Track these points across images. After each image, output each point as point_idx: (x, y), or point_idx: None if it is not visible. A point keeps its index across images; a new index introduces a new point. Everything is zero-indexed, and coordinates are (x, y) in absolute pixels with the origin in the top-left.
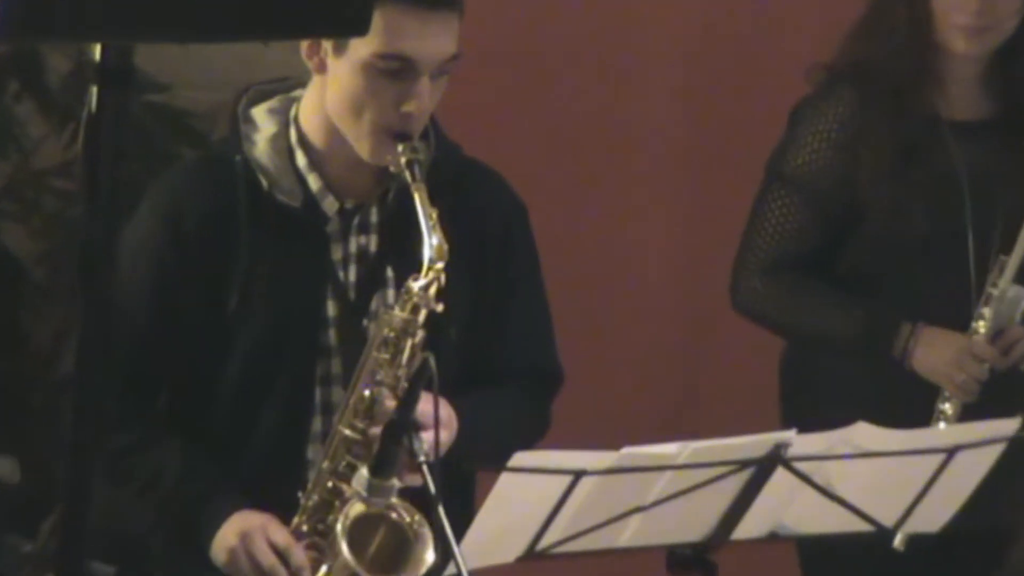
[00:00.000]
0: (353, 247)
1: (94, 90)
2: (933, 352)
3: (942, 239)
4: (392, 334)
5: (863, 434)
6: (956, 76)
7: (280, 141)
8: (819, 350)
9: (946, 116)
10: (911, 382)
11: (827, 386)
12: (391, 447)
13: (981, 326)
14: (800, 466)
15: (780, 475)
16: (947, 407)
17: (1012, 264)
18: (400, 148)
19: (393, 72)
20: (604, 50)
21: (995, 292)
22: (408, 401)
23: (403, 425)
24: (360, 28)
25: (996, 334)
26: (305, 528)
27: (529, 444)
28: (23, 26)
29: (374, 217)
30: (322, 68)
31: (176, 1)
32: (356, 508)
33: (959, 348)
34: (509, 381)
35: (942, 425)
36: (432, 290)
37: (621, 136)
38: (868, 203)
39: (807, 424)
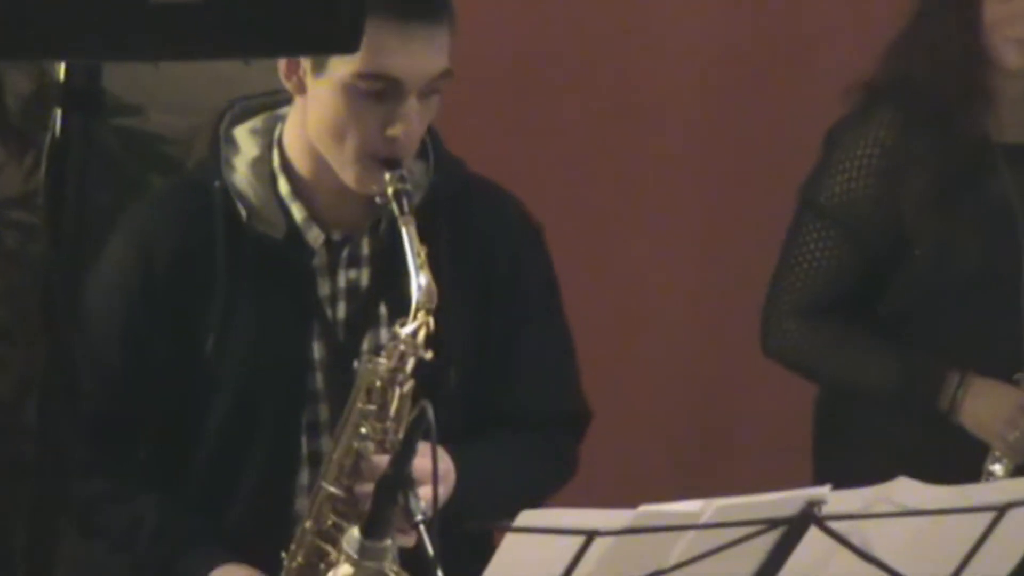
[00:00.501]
0: (342, 282)
1: (58, 113)
2: (984, 406)
3: (994, 277)
4: (378, 384)
5: (904, 490)
6: (1009, 94)
7: (262, 166)
8: (858, 399)
9: (997, 139)
10: (958, 433)
11: (865, 437)
12: (385, 505)
13: None
14: (835, 525)
15: (813, 535)
16: (997, 468)
17: None
18: (387, 177)
19: (377, 93)
20: (621, 69)
21: None
22: (403, 455)
23: (398, 481)
24: (349, 45)
25: None
26: None
27: (546, 494)
28: None
29: (365, 249)
30: (301, 89)
31: (148, 16)
32: (343, 570)
33: (1013, 403)
34: (527, 424)
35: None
36: (421, 336)
37: (638, 161)
38: (913, 237)
39: (843, 479)
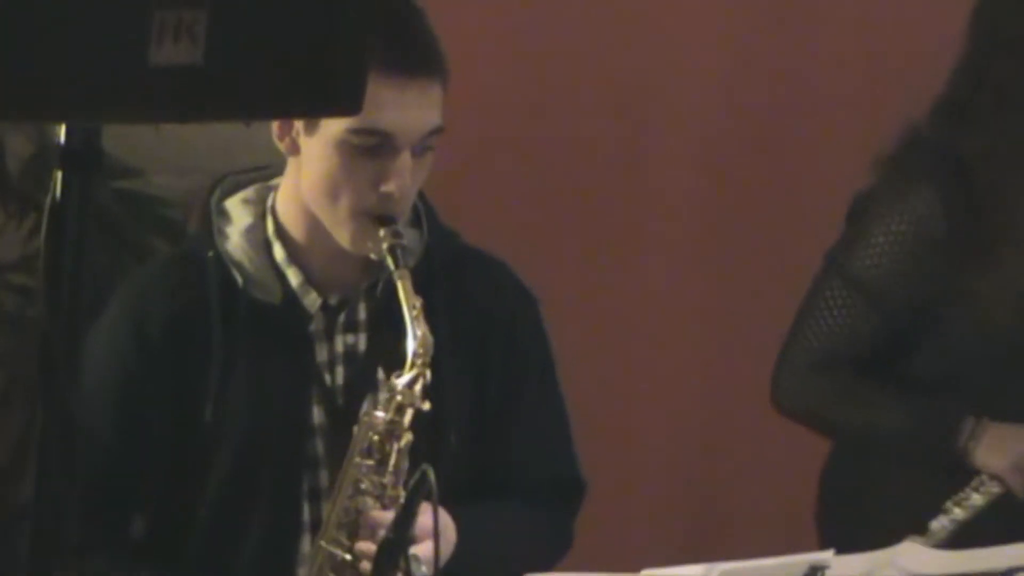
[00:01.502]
0: (340, 347)
1: (58, 175)
2: (1001, 445)
3: None
4: (376, 438)
5: (910, 554)
6: None
7: (256, 233)
8: (870, 449)
9: None
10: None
11: (876, 499)
12: (386, 566)
13: None
14: None
15: None
16: (938, 524)
17: None
18: (381, 233)
19: (370, 149)
20: (622, 125)
21: None
22: (405, 518)
23: (400, 544)
24: (352, 106)
25: None
26: None
27: (545, 562)
28: None
29: (362, 314)
30: (294, 150)
31: (148, 77)
32: None
33: None
34: (523, 494)
35: (945, 521)
36: (417, 387)
37: (639, 218)
38: (942, 313)
39: (850, 542)
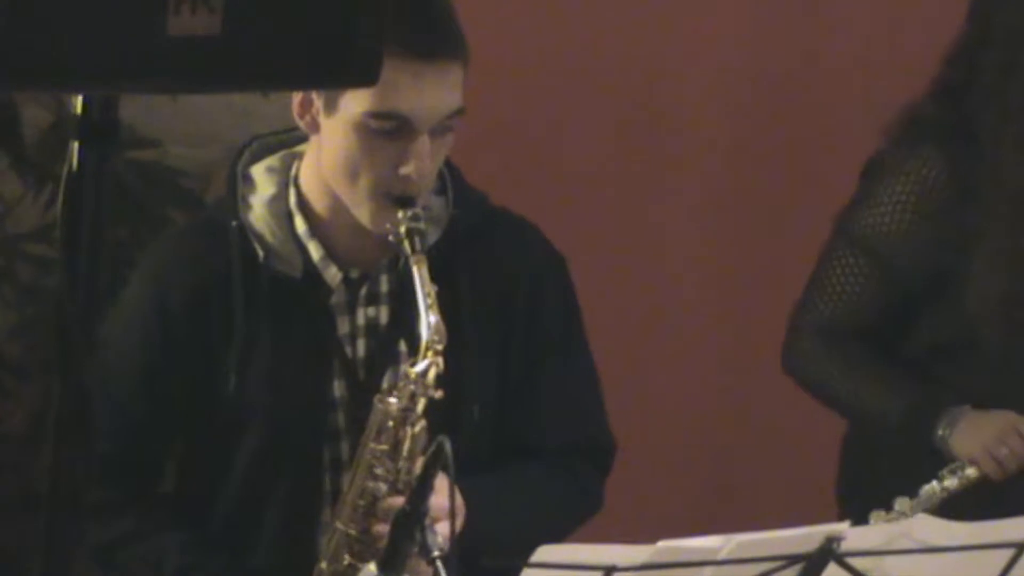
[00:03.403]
0: (361, 320)
1: (75, 146)
2: (974, 432)
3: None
4: (390, 424)
5: (925, 527)
6: None
7: (279, 204)
8: (864, 427)
9: None
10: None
11: (895, 474)
12: (401, 540)
13: None
14: (855, 562)
15: (833, 572)
16: (901, 503)
17: None
18: (400, 216)
19: (388, 132)
20: (642, 98)
21: None
22: (421, 491)
23: (415, 517)
24: (368, 77)
25: None
26: None
27: (570, 527)
28: None
29: (384, 287)
30: (315, 128)
31: (165, 48)
32: None
33: (1007, 421)
34: (551, 457)
35: (915, 506)
36: (431, 375)
37: (659, 197)
38: (950, 275)
39: (866, 511)
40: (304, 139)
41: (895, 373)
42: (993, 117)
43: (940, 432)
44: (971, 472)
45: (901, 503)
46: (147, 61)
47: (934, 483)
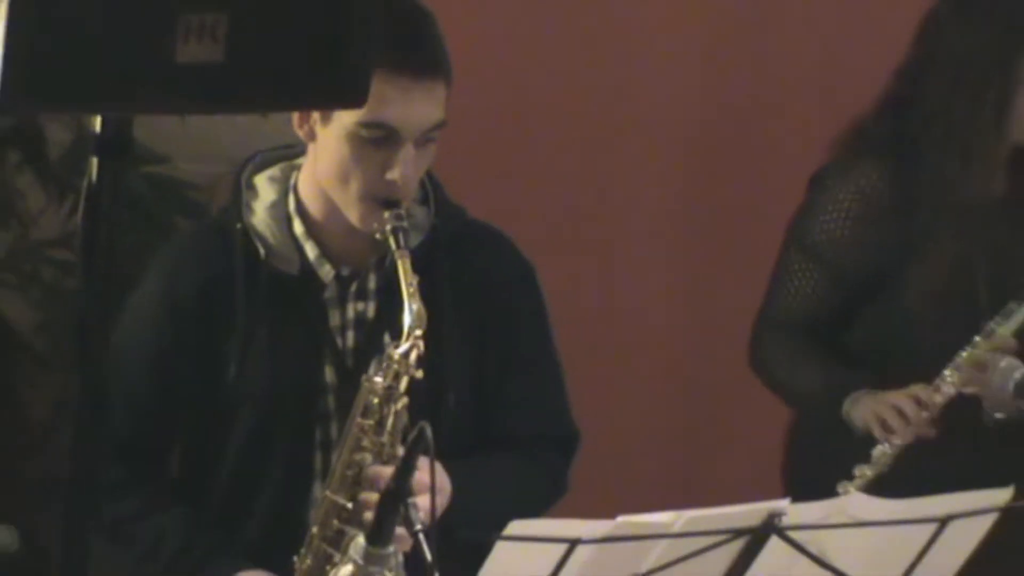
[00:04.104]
0: (351, 313)
1: (94, 161)
2: (872, 401)
3: (956, 316)
4: (376, 401)
5: (857, 503)
6: (997, 159)
7: (279, 209)
8: (802, 414)
9: (969, 195)
10: (913, 453)
11: (832, 457)
12: (387, 516)
13: (948, 378)
14: (794, 535)
15: (775, 544)
16: (847, 485)
17: (1000, 332)
18: (386, 215)
19: (377, 140)
20: (605, 114)
21: (963, 355)
22: (404, 470)
23: (399, 495)
24: (357, 99)
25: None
26: None
27: (536, 511)
28: (24, 98)
29: (372, 284)
30: (311, 137)
31: (174, 73)
32: (346, 570)
33: (904, 391)
34: (521, 446)
35: (852, 489)
36: (412, 356)
37: (621, 202)
38: (890, 276)
39: (808, 491)
40: (300, 154)
41: (829, 360)
42: (939, 134)
43: (845, 407)
44: (898, 441)
45: (860, 469)
46: (158, 85)
47: (883, 445)
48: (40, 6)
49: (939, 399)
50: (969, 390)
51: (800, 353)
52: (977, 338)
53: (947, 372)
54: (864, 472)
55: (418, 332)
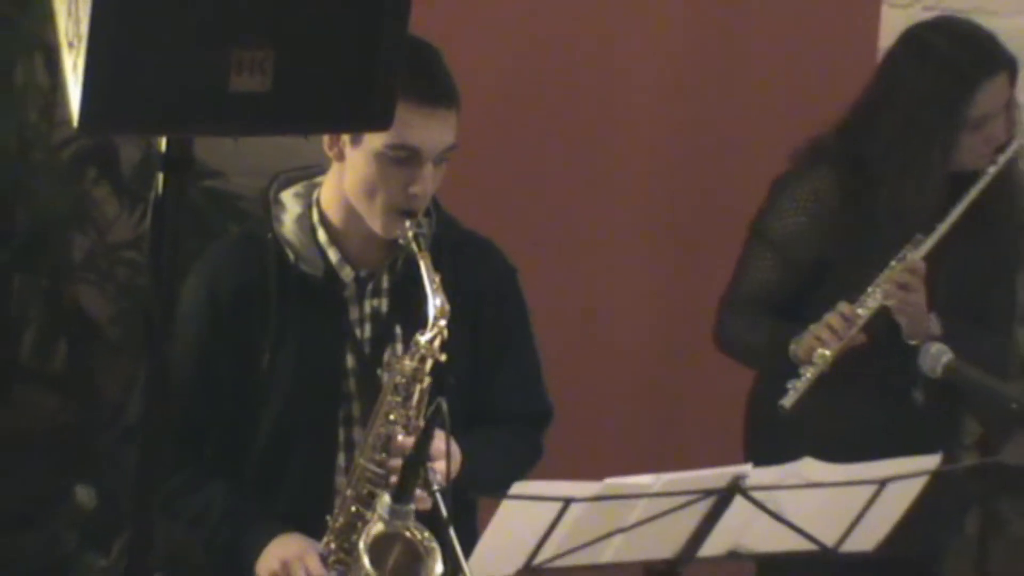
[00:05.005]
0: (367, 309)
1: (160, 176)
2: (807, 331)
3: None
4: (403, 380)
5: (809, 468)
6: (943, 184)
7: (305, 220)
8: (759, 368)
9: (920, 212)
10: (856, 425)
11: (785, 424)
12: (410, 478)
13: (870, 296)
14: (755, 495)
15: (738, 502)
16: (797, 382)
17: (910, 257)
18: (408, 224)
19: (402, 160)
20: (586, 114)
21: (882, 276)
22: (424, 439)
23: (420, 460)
24: (384, 123)
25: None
26: (333, 546)
27: (524, 473)
28: (101, 123)
29: (385, 283)
30: (341, 157)
31: (228, 101)
32: (376, 528)
33: (829, 313)
34: (506, 420)
35: (789, 400)
36: (436, 343)
37: (603, 202)
38: (836, 266)
39: (766, 457)
40: (317, 174)
41: (779, 321)
42: (895, 164)
43: (791, 349)
44: (827, 353)
45: (803, 369)
46: (214, 112)
47: (822, 350)
48: (115, 46)
49: (862, 311)
50: (889, 302)
51: (756, 321)
52: (893, 262)
53: (869, 290)
54: (808, 370)
55: (442, 322)
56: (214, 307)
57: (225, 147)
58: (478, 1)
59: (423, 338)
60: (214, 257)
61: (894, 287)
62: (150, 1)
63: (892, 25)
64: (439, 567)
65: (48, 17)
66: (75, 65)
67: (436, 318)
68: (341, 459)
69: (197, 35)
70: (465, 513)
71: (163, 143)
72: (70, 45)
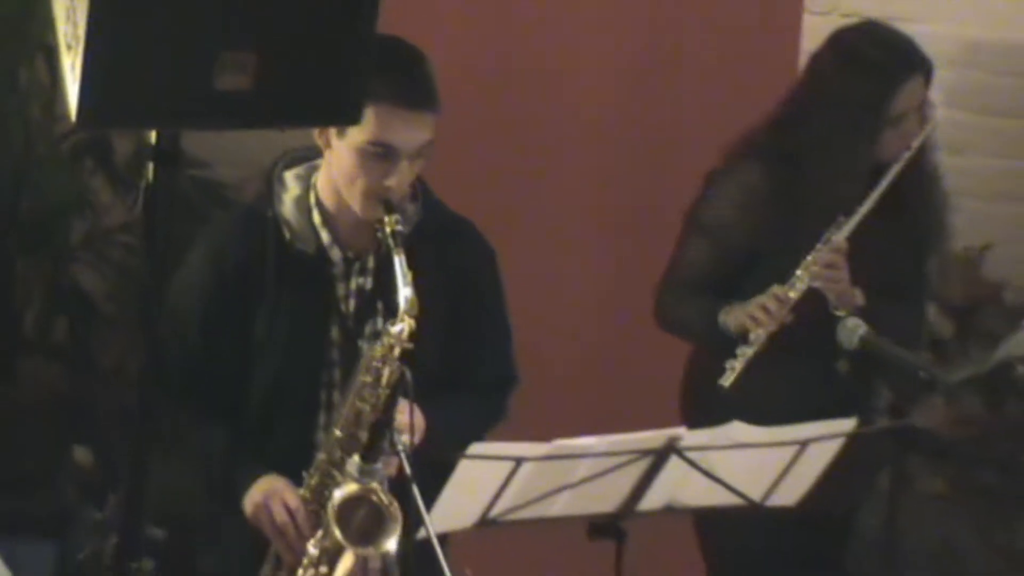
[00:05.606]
0: (353, 286)
1: (151, 167)
2: (740, 307)
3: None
4: (375, 364)
5: (738, 430)
6: (866, 175)
7: (302, 202)
8: (695, 341)
9: (845, 201)
10: (782, 392)
11: (717, 393)
12: (377, 439)
13: (798, 278)
14: (689, 454)
15: (674, 461)
16: (735, 361)
17: (834, 239)
18: (387, 219)
19: (380, 155)
20: (542, 114)
21: (809, 259)
22: (390, 404)
23: (386, 423)
24: (354, 118)
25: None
26: (309, 498)
27: (490, 431)
28: (97, 118)
29: (370, 263)
30: (328, 145)
31: (213, 98)
32: (344, 491)
33: (763, 294)
34: (479, 384)
35: (728, 379)
36: (405, 333)
37: (556, 190)
38: (765, 251)
39: (700, 420)
40: (319, 155)
41: (713, 300)
42: (822, 157)
43: (720, 319)
44: (760, 335)
45: (741, 350)
46: (200, 108)
47: (754, 334)
48: (110, 48)
49: (793, 294)
50: (816, 284)
51: (691, 301)
52: (819, 245)
53: (798, 272)
54: (744, 351)
55: (410, 314)
56: (219, 273)
57: (211, 140)
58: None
59: (393, 329)
60: (221, 228)
61: (821, 268)
62: (142, 8)
63: (813, 30)
64: (398, 530)
65: (49, 21)
66: (73, 65)
67: (405, 311)
68: (321, 418)
69: (185, 39)
70: (438, 476)
71: (154, 136)
72: (68, 47)
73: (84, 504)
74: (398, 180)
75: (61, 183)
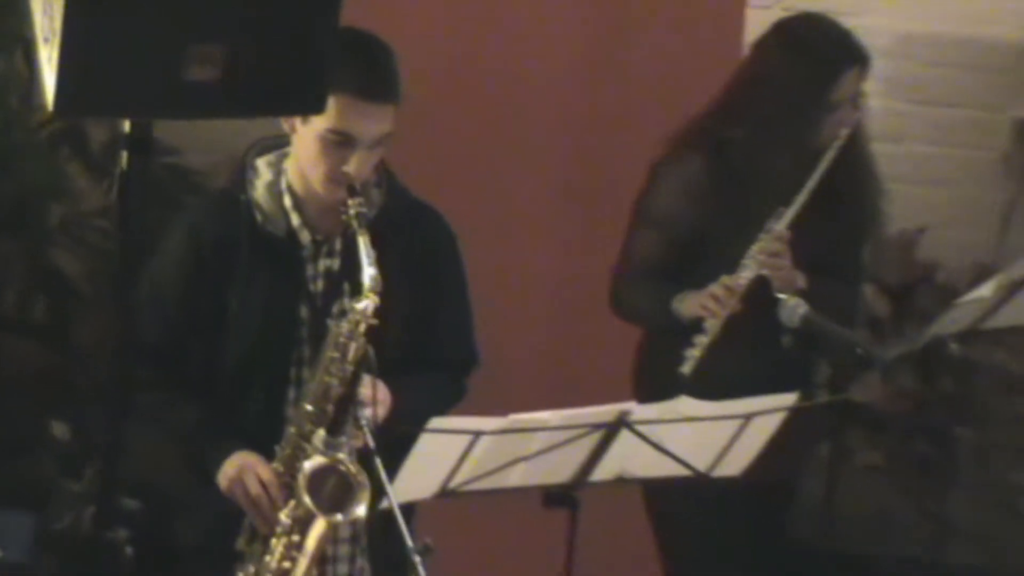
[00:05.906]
0: (321, 267)
1: (125, 154)
2: (693, 296)
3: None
4: (341, 340)
5: (685, 404)
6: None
7: (274, 187)
8: (648, 327)
9: (788, 184)
10: (722, 371)
11: (666, 368)
12: (342, 414)
13: (745, 267)
14: (639, 428)
15: (625, 435)
16: (693, 351)
17: (776, 228)
18: (350, 202)
19: (338, 143)
20: (499, 104)
21: (754, 248)
22: (354, 381)
23: (351, 399)
24: (318, 107)
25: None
26: (281, 470)
27: (450, 408)
28: (73, 107)
29: (338, 246)
30: (293, 131)
31: (183, 89)
32: (313, 462)
33: (713, 284)
34: (440, 364)
35: (687, 367)
36: (370, 309)
37: (513, 176)
38: (712, 236)
39: (651, 396)
40: (289, 143)
41: (665, 286)
42: (766, 141)
43: (673, 305)
44: (713, 324)
45: (697, 338)
46: (171, 98)
47: (707, 323)
48: (84, 41)
49: (742, 282)
50: (763, 272)
51: (643, 287)
52: (762, 234)
53: (745, 262)
54: (701, 340)
55: (374, 291)
56: (195, 253)
57: (181, 128)
58: None
59: (359, 306)
60: (197, 211)
61: (766, 256)
62: (115, 3)
63: (755, 24)
64: (367, 497)
65: (27, 16)
66: (50, 58)
67: (369, 288)
68: (291, 393)
69: (156, 33)
70: (403, 448)
71: (127, 125)
72: (45, 40)
73: (62, 476)
74: (356, 166)
75: (39, 169)
